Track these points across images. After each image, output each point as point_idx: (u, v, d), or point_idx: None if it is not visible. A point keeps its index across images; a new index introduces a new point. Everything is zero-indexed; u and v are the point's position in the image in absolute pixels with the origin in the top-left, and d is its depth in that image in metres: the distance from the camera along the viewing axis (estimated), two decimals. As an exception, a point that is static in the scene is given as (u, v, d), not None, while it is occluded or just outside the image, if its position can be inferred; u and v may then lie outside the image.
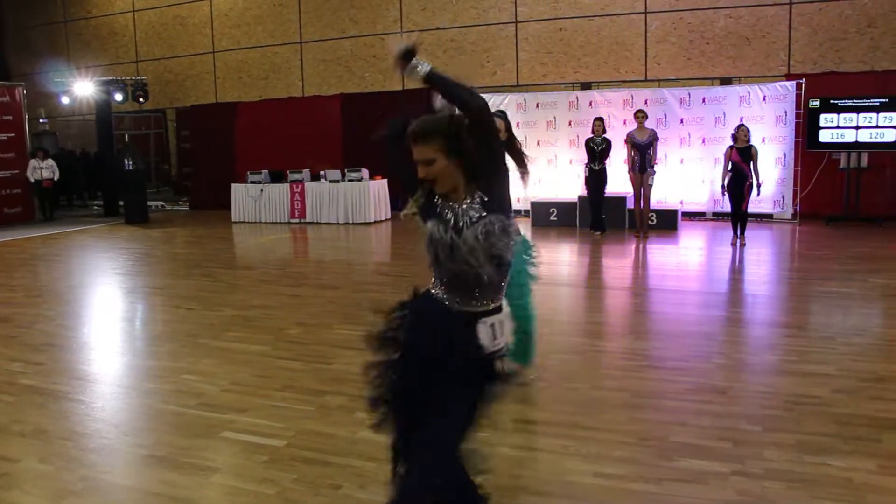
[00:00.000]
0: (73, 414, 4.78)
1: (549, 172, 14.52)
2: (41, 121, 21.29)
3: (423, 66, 2.59)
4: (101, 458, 4.06)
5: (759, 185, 10.47)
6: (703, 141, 13.40)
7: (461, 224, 2.63)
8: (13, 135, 16.37)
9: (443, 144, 2.60)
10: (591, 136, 12.15)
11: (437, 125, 2.61)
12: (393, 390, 2.73)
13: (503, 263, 2.66)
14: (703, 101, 13.37)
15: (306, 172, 15.49)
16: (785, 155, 12.91)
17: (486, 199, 2.64)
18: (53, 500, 3.58)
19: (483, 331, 2.69)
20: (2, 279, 9.89)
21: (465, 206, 2.65)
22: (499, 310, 2.74)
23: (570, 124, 14.34)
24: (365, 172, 15.09)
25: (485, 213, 2.62)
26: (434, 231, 2.66)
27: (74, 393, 5.17)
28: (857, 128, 12.26)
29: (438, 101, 2.67)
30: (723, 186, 10.63)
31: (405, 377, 2.70)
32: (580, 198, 13.00)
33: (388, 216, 15.40)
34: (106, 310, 8.22)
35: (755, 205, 11.70)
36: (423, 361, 2.66)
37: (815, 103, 12.45)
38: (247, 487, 3.51)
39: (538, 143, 14.57)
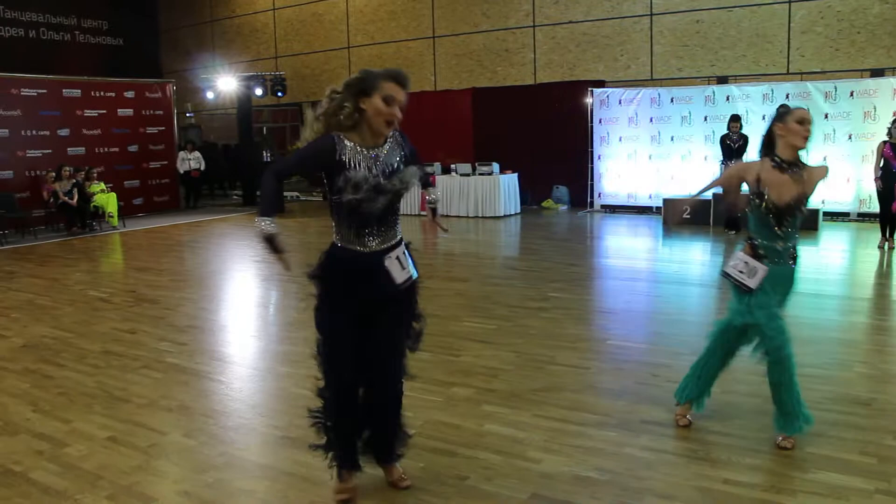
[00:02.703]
0: (213, 393, 5.06)
1: (682, 169, 14.12)
2: (188, 115, 22.50)
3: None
4: (238, 436, 4.29)
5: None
6: (850, 137, 12.64)
7: (387, 166, 3.14)
8: (163, 128, 17.43)
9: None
10: (727, 132, 11.83)
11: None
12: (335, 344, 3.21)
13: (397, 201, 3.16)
14: (851, 94, 12.58)
15: (437, 165, 15.65)
16: (945, 152, 11.97)
17: (405, 153, 3.28)
18: (196, 471, 3.81)
19: (391, 264, 3.19)
20: (151, 263, 10.58)
21: (385, 152, 3.17)
22: (399, 244, 3.28)
23: (705, 119, 13.87)
24: (496, 166, 15.13)
25: (402, 157, 3.23)
26: (366, 174, 3.05)
27: (215, 373, 5.47)
28: None
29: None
30: (876, 179, 10.02)
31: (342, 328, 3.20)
32: (714, 195, 12.52)
33: (518, 210, 15.41)
34: (243, 295, 8.64)
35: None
36: (353, 307, 3.17)
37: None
38: (376, 473, 3.60)
39: (672, 139, 14.23)
